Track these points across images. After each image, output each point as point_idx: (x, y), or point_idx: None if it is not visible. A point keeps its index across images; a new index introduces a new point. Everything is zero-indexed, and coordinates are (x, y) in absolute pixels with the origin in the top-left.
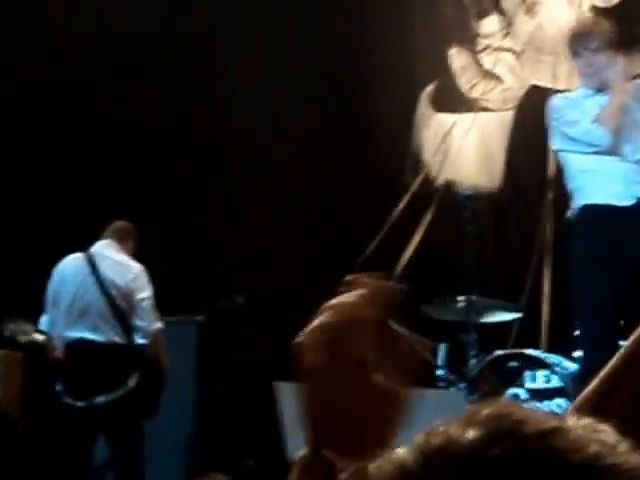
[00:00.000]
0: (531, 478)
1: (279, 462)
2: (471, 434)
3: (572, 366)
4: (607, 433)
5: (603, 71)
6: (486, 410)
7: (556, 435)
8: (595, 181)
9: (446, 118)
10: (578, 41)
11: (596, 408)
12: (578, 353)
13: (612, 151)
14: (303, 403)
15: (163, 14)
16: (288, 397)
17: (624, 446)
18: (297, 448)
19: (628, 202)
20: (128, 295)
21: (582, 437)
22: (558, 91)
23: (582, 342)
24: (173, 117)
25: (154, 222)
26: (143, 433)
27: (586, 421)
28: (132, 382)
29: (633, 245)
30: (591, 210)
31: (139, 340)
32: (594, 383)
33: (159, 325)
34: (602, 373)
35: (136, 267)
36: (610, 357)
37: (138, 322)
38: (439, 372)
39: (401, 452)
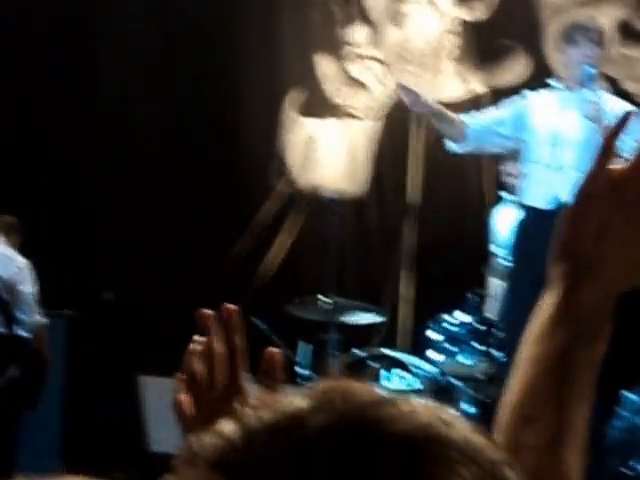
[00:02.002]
0: (355, 445)
1: (141, 454)
2: (295, 404)
3: (429, 367)
4: (446, 411)
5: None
6: (318, 384)
7: (385, 406)
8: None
9: (311, 123)
10: (579, 30)
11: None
12: (432, 353)
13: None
14: None
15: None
16: (151, 391)
17: (463, 424)
18: (159, 441)
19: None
20: (11, 287)
21: (415, 409)
22: None
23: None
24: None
25: (22, 215)
26: (19, 423)
27: (425, 400)
28: (11, 372)
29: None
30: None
31: (21, 332)
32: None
33: (42, 319)
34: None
35: (21, 261)
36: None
37: (21, 315)
38: (300, 370)
39: (224, 424)
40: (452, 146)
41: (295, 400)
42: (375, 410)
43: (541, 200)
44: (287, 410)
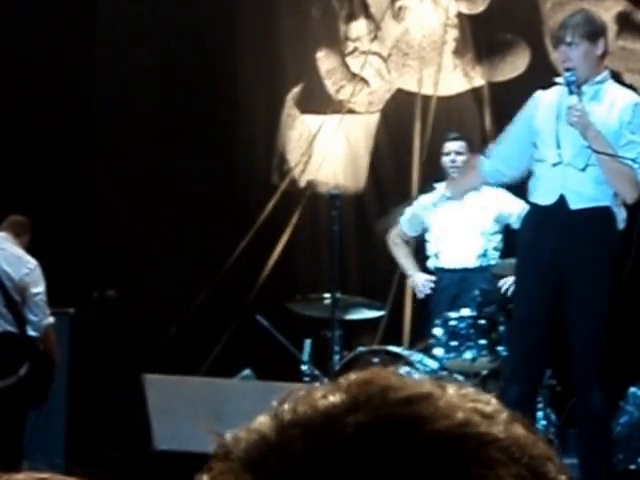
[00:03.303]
0: (392, 445)
1: (144, 452)
2: (331, 399)
3: (433, 363)
4: (485, 402)
5: (579, 65)
6: (353, 376)
7: (424, 401)
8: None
9: (312, 119)
10: (555, 35)
11: None
12: (435, 349)
13: None
14: None
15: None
16: (156, 389)
17: (503, 416)
18: (164, 439)
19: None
20: (22, 289)
21: (453, 404)
22: (424, 96)
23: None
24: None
25: (25, 214)
26: (26, 421)
27: (465, 390)
28: (23, 371)
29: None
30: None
31: (31, 333)
32: None
33: (50, 320)
34: None
35: (31, 262)
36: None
37: (30, 316)
38: (304, 367)
39: (260, 420)
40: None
41: (330, 396)
42: (411, 408)
43: (543, 197)
44: (322, 407)
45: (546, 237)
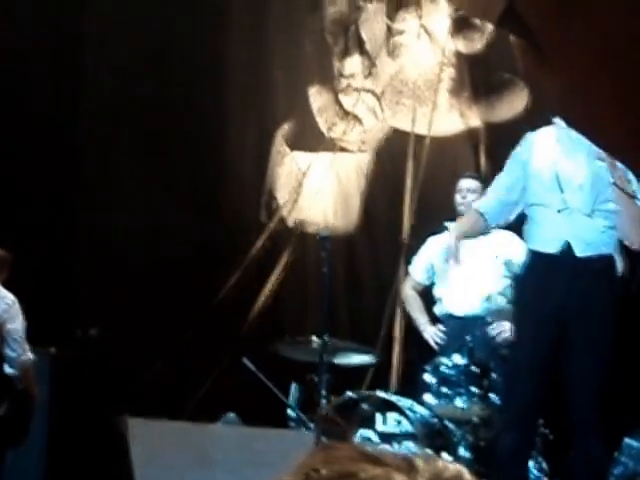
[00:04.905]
0: None
1: None
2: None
3: (422, 410)
4: None
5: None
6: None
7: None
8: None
9: (302, 157)
10: None
11: None
12: (426, 396)
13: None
14: None
15: None
16: (139, 433)
17: None
18: None
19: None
20: (0, 325)
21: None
22: (417, 135)
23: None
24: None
25: (7, 250)
26: (4, 461)
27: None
28: (1, 410)
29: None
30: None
31: (8, 370)
32: None
33: (30, 356)
34: None
35: (9, 297)
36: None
37: (8, 352)
38: (290, 412)
39: None
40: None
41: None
42: None
43: (547, 244)
44: None
45: (550, 287)
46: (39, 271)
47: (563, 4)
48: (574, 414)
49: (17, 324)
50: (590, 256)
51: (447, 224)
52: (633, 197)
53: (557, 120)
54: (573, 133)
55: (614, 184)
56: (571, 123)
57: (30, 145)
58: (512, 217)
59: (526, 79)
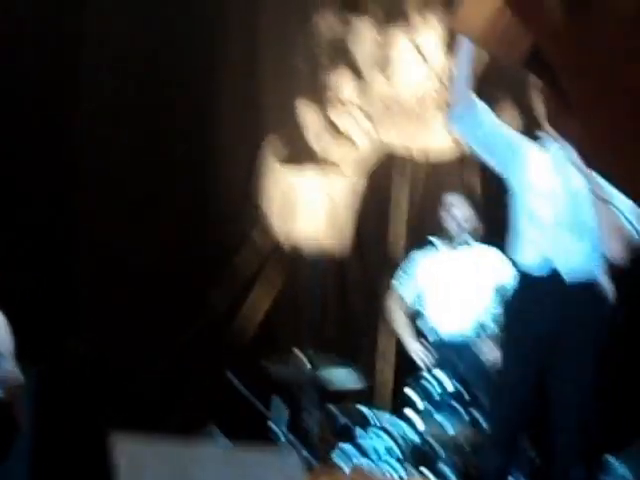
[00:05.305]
0: None
1: None
2: None
3: (408, 428)
4: None
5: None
6: None
7: None
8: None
9: (291, 171)
10: None
11: None
12: (411, 413)
13: None
14: None
15: None
16: (125, 450)
17: None
18: None
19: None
20: None
21: None
22: (409, 153)
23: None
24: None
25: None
26: None
27: None
28: None
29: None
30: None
31: None
32: None
33: (20, 378)
34: None
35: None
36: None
37: None
38: (274, 427)
39: None
40: (452, 118)
41: None
42: None
43: (536, 266)
44: None
45: (537, 311)
46: (25, 286)
47: (587, 56)
48: (557, 437)
49: (6, 345)
50: (578, 281)
51: (433, 239)
52: (609, 203)
53: (547, 139)
54: (561, 152)
55: (591, 192)
56: (594, 168)
57: (30, 145)
58: (481, 142)
59: (548, 124)
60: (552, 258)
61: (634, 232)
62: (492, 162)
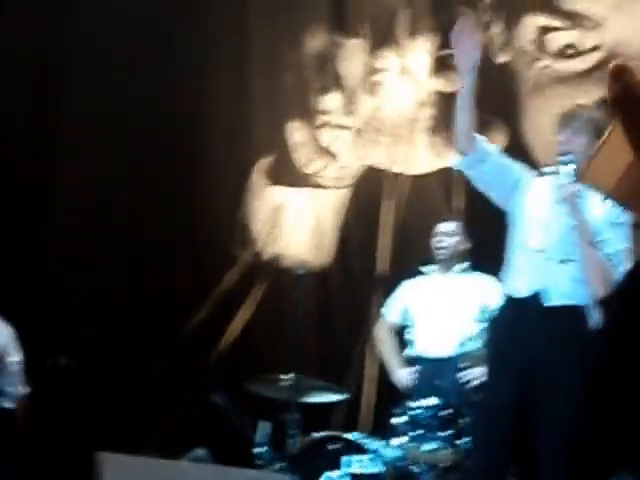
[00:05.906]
0: None
1: None
2: None
3: (391, 452)
4: None
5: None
6: None
7: None
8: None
9: (279, 191)
10: (564, 118)
11: None
12: (395, 438)
13: None
14: None
15: None
16: (111, 469)
17: None
18: None
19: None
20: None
21: None
22: (395, 173)
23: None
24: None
25: None
26: None
27: None
28: None
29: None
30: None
31: (5, 404)
32: None
33: (26, 389)
34: None
35: (7, 331)
36: None
37: (7, 387)
38: (259, 450)
39: None
40: (460, 166)
41: None
42: None
43: (519, 289)
44: None
45: (520, 333)
46: (10, 299)
47: None
48: (542, 462)
49: (15, 357)
50: (560, 305)
51: (423, 269)
52: (593, 245)
53: (547, 169)
54: (557, 181)
55: (574, 228)
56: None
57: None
58: (485, 179)
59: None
60: (538, 282)
61: (617, 275)
62: (491, 196)
